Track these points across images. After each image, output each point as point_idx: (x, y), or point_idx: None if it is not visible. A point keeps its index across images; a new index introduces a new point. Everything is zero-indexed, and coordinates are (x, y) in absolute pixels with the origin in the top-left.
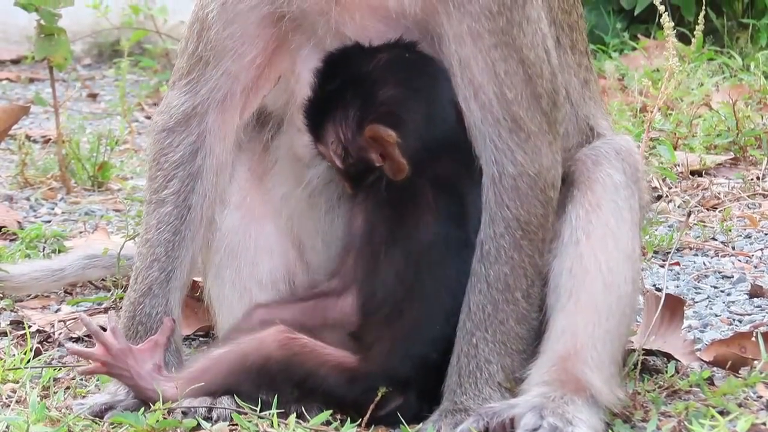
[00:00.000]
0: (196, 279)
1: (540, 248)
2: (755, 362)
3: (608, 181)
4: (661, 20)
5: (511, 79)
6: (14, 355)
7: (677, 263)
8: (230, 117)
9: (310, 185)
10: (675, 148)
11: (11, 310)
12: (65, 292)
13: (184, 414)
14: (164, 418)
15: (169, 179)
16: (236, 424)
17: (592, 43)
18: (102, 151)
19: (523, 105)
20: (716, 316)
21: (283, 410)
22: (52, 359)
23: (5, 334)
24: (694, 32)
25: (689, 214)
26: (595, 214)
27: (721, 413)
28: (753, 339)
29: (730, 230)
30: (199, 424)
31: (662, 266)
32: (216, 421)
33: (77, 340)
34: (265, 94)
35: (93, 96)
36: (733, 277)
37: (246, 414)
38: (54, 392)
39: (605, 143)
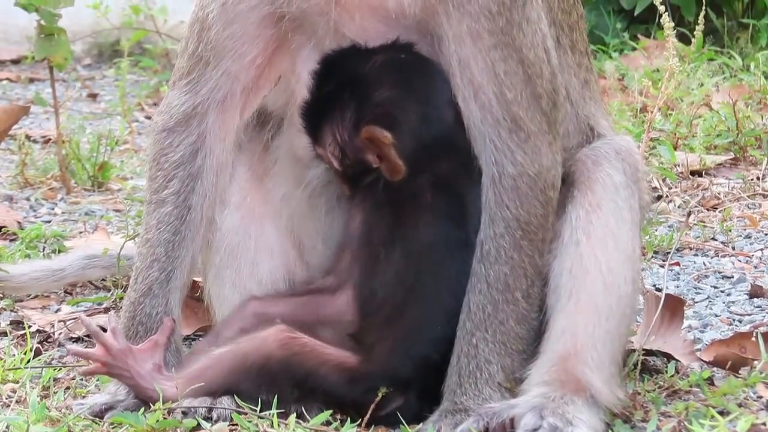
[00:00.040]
0: (196, 279)
1: (540, 248)
2: (755, 362)
3: (608, 181)
4: (661, 20)
5: (510, 79)
6: (14, 355)
7: (677, 263)
8: (230, 117)
9: (310, 186)
10: (675, 149)
11: (11, 310)
12: (65, 292)
13: (184, 414)
14: (164, 418)
15: (169, 179)
16: (236, 424)
17: (592, 44)
18: (102, 151)
19: (523, 105)
20: (716, 316)
21: (283, 410)
22: (52, 359)
23: (5, 334)
24: (694, 32)
25: (689, 215)
26: (595, 214)
27: (721, 413)
28: (753, 339)
29: (730, 230)
30: (199, 424)
31: (662, 266)
32: (216, 421)
33: (77, 340)
34: (266, 94)
35: (93, 96)
36: (733, 277)
37: (246, 414)
38: (54, 392)
39: (605, 143)
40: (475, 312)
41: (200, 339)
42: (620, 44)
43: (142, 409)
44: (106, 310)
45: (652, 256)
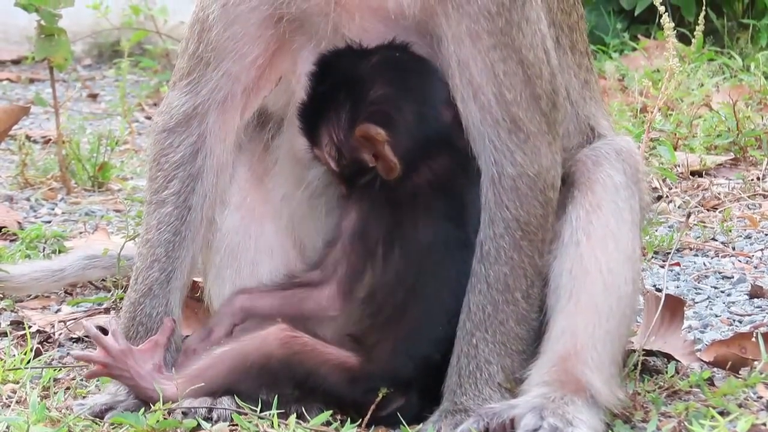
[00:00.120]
0: (196, 279)
1: (540, 249)
2: (755, 363)
3: (609, 181)
4: (661, 21)
5: (510, 79)
6: (14, 355)
7: (677, 264)
8: (231, 117)
9: (310, 187)
10: (675, 149)
11: (11, 311)
12: (65, 292)
13: (185, 414)
14: (164, 418)
15: (169, 180)
16: (236, 425)
17: (592, 44)
18: (102, 151)
19: (523, 106)
20: (716, 316)
21: (283, 410)
22: (53, 360)
23: (5, 334)
24: (695, 33)
25: (689, 215)
26: (595, 214)
27: (722, 414)
28: (753, 339)
29: (730, 231)
30: (199, 425)
31: (662, 267)
32: (216, 422)
33: (77, 340)
34: (266, 94)
35: (93, 96)
36: (733, 277)
37: (246, 414)
38: (54, 393)
39: (606, 144)
40: (475, 312)
41: (190, 336)
42: (620, 44)
43: (143, 410)
44: (107, 311)
45: (653, 257)
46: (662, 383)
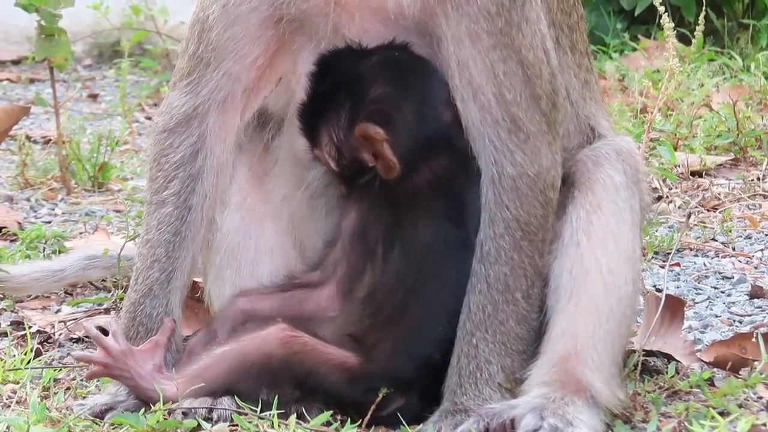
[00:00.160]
0: (196, 279)
1: (540, 249)
2: (755, 363)
3: (609, 182)
4: (661, 21)
5: (510, 80)
6: (15, 355)
7: (677, 264)
8: (231, 118)
9: (310, 187)
10: (675, 149)
11: (12, 311)
12: (65, 292)
13: (185, 415)
14: (165, 418)
15: (169, 180)
16: (236, 425)
17: (592, 44)
18: (102, 151)
19: (522, 106)
20: (716, 316)
21: (283, 411)
22: (53, 360)
23: (6, 334)
24: (695, 33)
25: (689, 215)
26: (595, 215)
27: (722, 414)
28: (753, 340)
29: (730, 231)
30: (199, 425)
31: (663, 267)
32: (216, 422)
33: (77, 340)
34: (266, 95)
35: (93, 96)
36: (733, 277)
37: (246, 414)
38: (54, 393)
39: (606, 144)
40: (475, 312)
41: (192, 338)
42: (620, 45)
43: (143, 410)
44: (107, 311)
45: (653, 257)
46: (662, 383)
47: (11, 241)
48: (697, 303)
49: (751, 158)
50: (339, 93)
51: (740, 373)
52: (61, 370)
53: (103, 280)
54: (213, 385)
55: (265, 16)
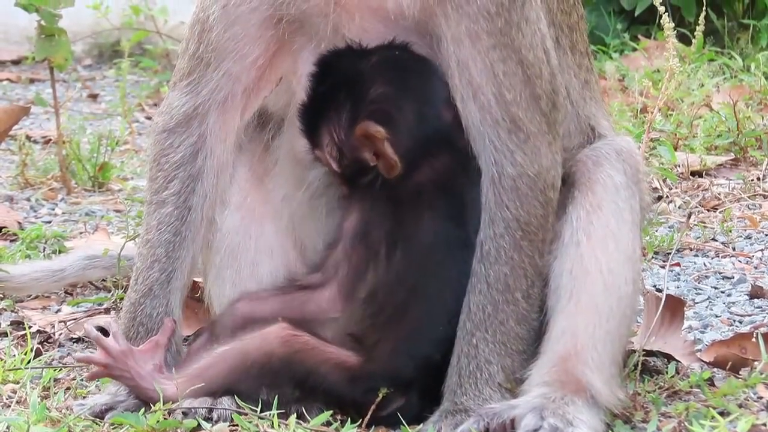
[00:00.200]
0: (196, 280)
1: (540, 249)
2: (755, 363)
3: (609, 182)
4: (661, 21)
5: (510, 80)
6: (15, 355)
7: (678, 264)
8: (231, 118)
9: (311, 187)
10: (675, 149)
11: (12, 311)
12: (65, 292)
13: (185, 414)
14: (165, 418)
15: (169, 180)
16: (237, 425)
17: (592, 44)
18: (102, 151)
19: (522, 106)
20: (717, 316)
21: (283, 410)
22: (53, 360)
23: (6, 334)
24: (695, 33)
25: (690, 215)
26: (595, 215)
27: (722, 414)
28: (753, 340)
29: (730, 231)
30: (199, 425)
31: (663, 267)
32: (216, 422)
33: (78, 340)
34: (266, 95)
35: (93, 96)
36: (733, 277)
37: (246, 414)
38: (54, 393)
39: (606, 144)
40: (475, 312)
41: (194, 341)
42: (621, 45)
43: (143, 410)
44: (107, 311)
45: (653, 257)
46: (662, 383)
47: (11, 241)
48: (697, 303)
49: (751, 158)
50: (339, 93)
51: (740, 373)
52: (61, 370)
53: (103, 280)
54: (213, 384)
55: (265, 17)
